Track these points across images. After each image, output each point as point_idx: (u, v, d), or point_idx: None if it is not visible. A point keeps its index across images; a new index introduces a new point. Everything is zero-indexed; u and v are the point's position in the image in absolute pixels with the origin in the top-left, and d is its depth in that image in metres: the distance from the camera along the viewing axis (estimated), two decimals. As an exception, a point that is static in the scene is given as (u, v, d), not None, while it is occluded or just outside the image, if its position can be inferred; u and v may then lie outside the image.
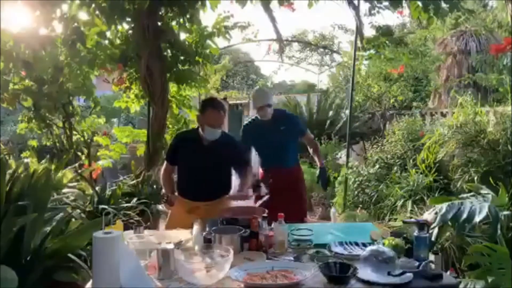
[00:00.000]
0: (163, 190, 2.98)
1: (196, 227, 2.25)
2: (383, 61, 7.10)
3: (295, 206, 3.29)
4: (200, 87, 4.77)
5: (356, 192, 5.41)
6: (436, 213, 2.60)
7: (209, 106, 2.77)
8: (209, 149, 2.78)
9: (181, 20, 4.16)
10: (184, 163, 2.87)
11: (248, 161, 3.06)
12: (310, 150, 3.72)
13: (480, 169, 3.77)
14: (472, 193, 2.92)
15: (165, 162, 3.00)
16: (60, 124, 4.80)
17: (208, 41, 4.48)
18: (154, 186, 4.59)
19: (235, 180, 2.95)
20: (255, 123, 3.49)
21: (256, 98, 3.44)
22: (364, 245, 2.14)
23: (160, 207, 4.41)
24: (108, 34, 4.14)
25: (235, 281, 1.73)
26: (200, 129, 2.82)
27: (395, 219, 4.15)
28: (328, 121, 8.37)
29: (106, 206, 3.71)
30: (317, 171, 3.66)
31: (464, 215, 2.46)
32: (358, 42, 5.05)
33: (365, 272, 1.78)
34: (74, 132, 4.82)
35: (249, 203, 2.73)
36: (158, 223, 4.44)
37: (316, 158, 3.71)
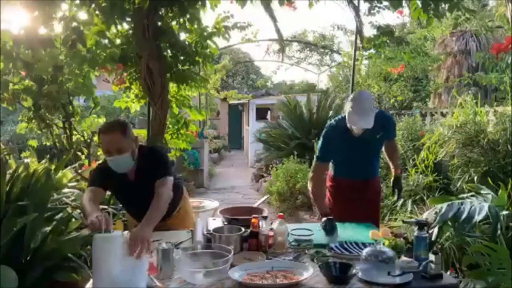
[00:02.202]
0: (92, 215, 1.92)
1: (196, 227, 2.25)
2: (383, 61, 7.10)
3: (371, 218, 2.76)
4: (200, 87, 4.76)
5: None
6: (436, 213, 2.60)
7: (100, 133, 2.23)
8: (135, 183, 2.29)
9: (181, 20, 4.16)
10: (119, 200, 2.59)
11: (171, 174, 2.31)
12: (386, 153, 3.05)
13: (480, 169, 3.77)
14: (472, 193, 2.92)
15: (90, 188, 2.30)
16: (60, 124, 4.80)
17: (208, 41, 4.48)
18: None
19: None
20: (343, 129, 2.70)
21: (356, 119, 2.57)
22: (364, 245, 2.14)
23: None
24: (108, 34, 4.15)
25: (235, 281, 1.73)
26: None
27: (395, 219, 4.14)
28: (328, 120, 8.36)
29: (106, 206, 3.70)
30: (391, 179, 3.01)
31: (464, 215, 2.46)
32: (358, 42, 5.05)
33: (365, 272, 1.78)
34: (74, 132, 4.82)
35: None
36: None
37: (391, 164, 3.01)
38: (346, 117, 2.64)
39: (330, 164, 2.91)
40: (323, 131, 2.85)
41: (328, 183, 2.93)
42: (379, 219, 3.05)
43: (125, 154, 2.17)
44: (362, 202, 2.78)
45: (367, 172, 2.87)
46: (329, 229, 2.39)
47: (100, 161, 2.53)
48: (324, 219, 2.47)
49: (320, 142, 2.84)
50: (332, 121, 2.90)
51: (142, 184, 2.26)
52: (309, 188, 2.82)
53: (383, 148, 2.98)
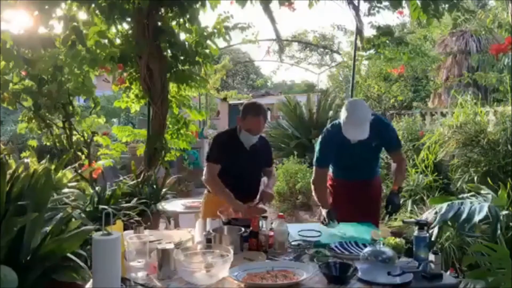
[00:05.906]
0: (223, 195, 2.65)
1: (196, 227, 2.26)
2: (383, 61, 7.10)
3: (371, 216, 2.82)
4: (200, 87, 4.77)
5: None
6: (436, 213, 2.60)
7: (250, 112, 2.66)
8: (250, 152, 2.76)
9: (181, 20, 4.16)
10: (227, 165, 2.73)
11: (273, 161, 3.10)
12: (393, 166, 3.00)
13: (480, 169, 3.77)
14: (472, 193, 2.92)
15: (210, 164, 2.73)
16: (60, 124, 4.80)
17: (208, 42, 4.48)
18: (154, 186, 4.59)
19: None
20: (338, 135, 2.68)
21: (350, 130, 2.61)
22: (364, 245, 2.14)
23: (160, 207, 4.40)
24: (108, 34, 4.15)
25: (235, 281, 1.73)
26: (237, 131, 2.76)
27: (395, 219, 4.15)
28: (328, 121, 8.35)
29: (106, 206, 3.71)
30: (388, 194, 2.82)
31: (464, 215, 2.46)
32: (358, 42, 5.05)
33: (365, 272, 1.78)
34: (74, 132, 4.82)
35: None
36: (158, 223, 4.44)
37: (393, 177, 2.96)
38: (342, 126, 2.65)
39: (330, 165, 2.94)
40: (320, 137, 2.89)
41: (329, 182, 2.97)
42: (379, 218, 3.06)
43: (258, 135, 2.73)
44: (362, 201, 2.81)
45: (365, 173, 2.90)
46: (332, 220, 2.60)
47: (215, 137, 3.04)
48: (324, 211, 2.67)
49: (317, 147, 2.87)
50: (329, 126, 2.91)
51: (253, 155, 2.77)
52: (312, 191, 2.90)
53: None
